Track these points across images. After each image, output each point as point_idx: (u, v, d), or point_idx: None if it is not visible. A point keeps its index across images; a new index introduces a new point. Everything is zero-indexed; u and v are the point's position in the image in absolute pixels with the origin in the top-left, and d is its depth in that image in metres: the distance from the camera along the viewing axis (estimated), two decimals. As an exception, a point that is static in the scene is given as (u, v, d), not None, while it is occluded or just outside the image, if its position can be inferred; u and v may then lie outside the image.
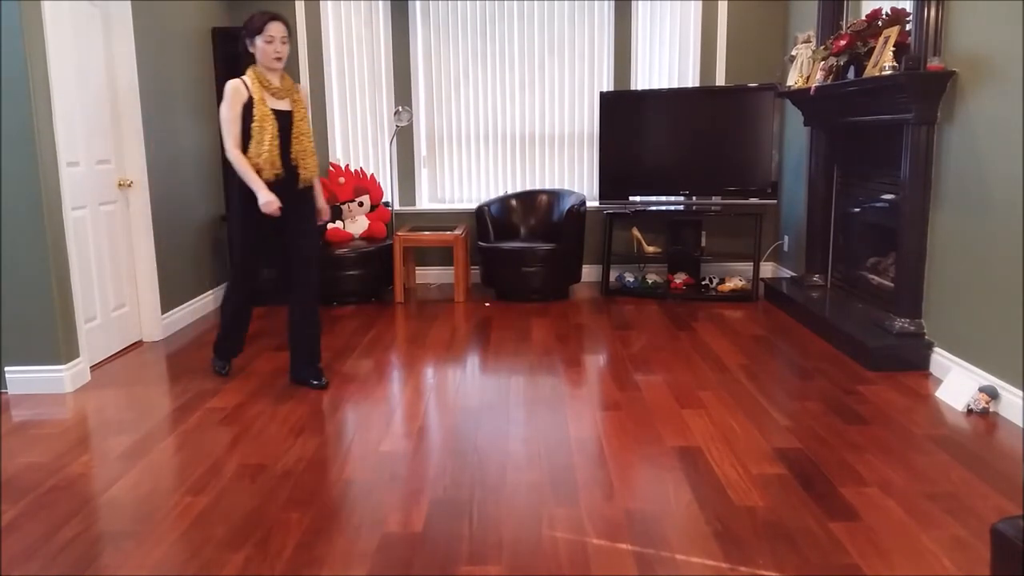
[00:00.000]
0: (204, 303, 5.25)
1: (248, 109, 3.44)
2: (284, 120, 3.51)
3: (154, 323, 4.61)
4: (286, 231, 3.62)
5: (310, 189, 3.66)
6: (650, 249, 5.71)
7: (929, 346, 3.75)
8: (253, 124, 3.44)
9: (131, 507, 2.55)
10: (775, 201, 5.60)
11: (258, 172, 3.47)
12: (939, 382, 3.55)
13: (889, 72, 3.69)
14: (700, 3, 5.71)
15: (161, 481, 2.75)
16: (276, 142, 3.46)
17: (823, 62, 4.46)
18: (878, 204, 4.35)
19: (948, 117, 3.59)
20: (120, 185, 4.38)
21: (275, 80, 3.50)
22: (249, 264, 3.76)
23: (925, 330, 3.80)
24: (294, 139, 3.52)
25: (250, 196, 3.48)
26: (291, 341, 3.74)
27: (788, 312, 4.97)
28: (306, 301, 3.70)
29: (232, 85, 3.47)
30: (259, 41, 3.43)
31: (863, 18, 4.13)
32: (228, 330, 3.88)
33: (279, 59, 3.46)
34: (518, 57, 5.91)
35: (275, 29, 3.42)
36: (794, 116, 5.41)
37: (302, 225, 3.64)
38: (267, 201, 3.42)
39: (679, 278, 5.55)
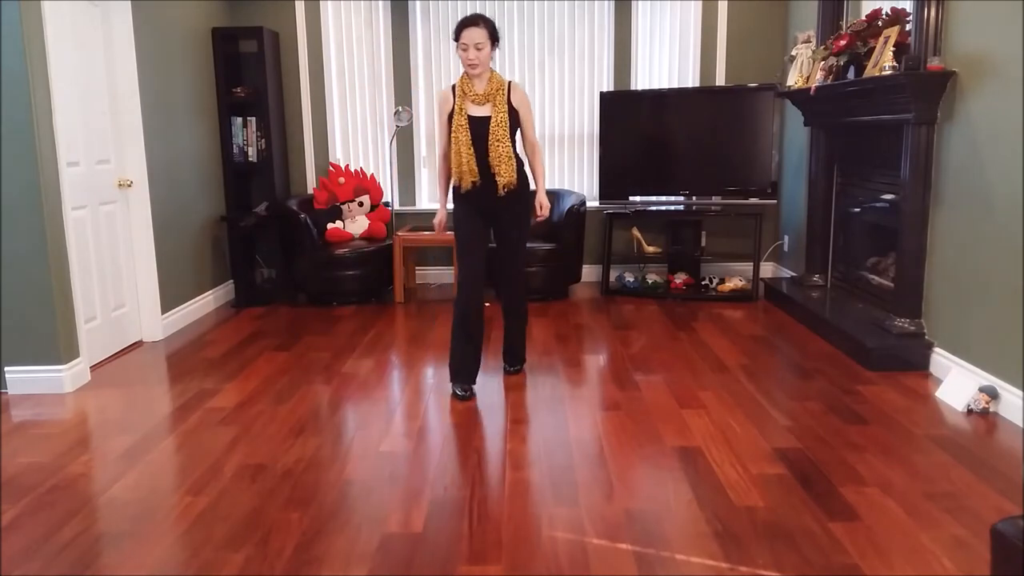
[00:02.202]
0: (204, 303, 5.25)
1: (452, 117, 3.48)
2: (480, 127, 3.43)
3: (154, 323, 4.61)
4: (496, 236, 3.69)
5: (515, 193, 3.54)
6: (650, 249, 5.71)
7: (929, 346, 3.75)
8: (451, 133, 3.48)
9: (131, 507, 2.55)
10: (775, 201, 5.60)
11: (459, 180, 3.51)
12: (939, 382, 3.55)
13: (889, 72, 3.69)
14: (700, 3, 5.71)
15: (161, 481, 2.75)
16: (471, 150, 3.44)
17: (823, 62, 4.46)
18: (878, 204, 4.35)
19: (948, 117, 3.59)
20: (120, 185, 4.38)
21: (479, 86, 3.44)
22: (463, 271, 3.71)
23: (925, 330, 3.80)
24: (490, 146, 3.44)
25: (456, 200, 3.59)
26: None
27: (788, 312, 4.97)
28: (511, 298, 3.81)
29: (440, 93, 3.56)
30: (458, 50, 3.41)
31: (863, 18, 4.13)
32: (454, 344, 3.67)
33: (472, 66, 3.39)
34: (518, 57, 5.91)
35: (467, 36, 3.36)
36: (794, 116, 5.41)
37: (505, 230, 3.64)
38: (437, 220, 3.70)
39: (679, 278, 5.55)
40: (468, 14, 3.45)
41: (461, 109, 3.45)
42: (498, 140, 3.42)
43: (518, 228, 3.64)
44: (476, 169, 3.45)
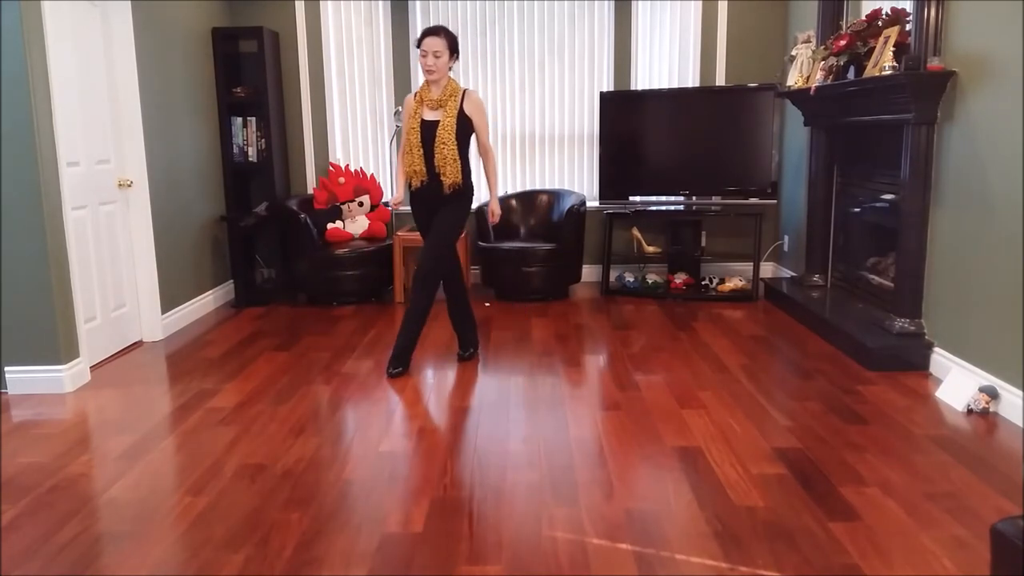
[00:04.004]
0: (204, 303, 5.25)
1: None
2: (430, 130, 3.71)
3: (154, 323, 4.61)
4: (432, 223, 3.87)
5: (460, 192, 3.81)
6: (650, 249, 5.71)
7: (929, 346, 3.75)
8: (403, 136, 3.80)
9: (131, 507, 2.56)
10: (775, 201, 5.60)
11: (409, 178, 3.82)
12: (939, 382, 3.55)
13: (889, 72, 3.69)
14: (700, 3, 5.71)
15: (161, 481, 2.75)
16: (420, 151, 3.72)
17: (823, 62, 4.46)
18: (878, 204, 4.35)
19: (948, 117, 3.59)
20: (120, 185, 4.38)
21: (435, 92, 3.71)
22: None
23: (925, 330, 3.80)
24: (436, 148, 3.71)
25: (411, 196, 3.94)
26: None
27: (788, 312, 4.97)
28: (416, 280, 3.87)
29: (407, 98, 3.84)
30: (419, 56, 3.68)
31: (863, 18, 4.13)
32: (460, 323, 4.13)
33: (429, 72, 3.66)
34: (518, 57, 5.91)
35: (427, 44, 3.63)
36: (794, 116, 5.41)
37: (440, 217, 3.83)
38: (393, 201, 3.93)
39: (679, 278, 5.55)
40: (432, 26, 3.73)
41: (416, 113, 3.75)
42: (443, 143, 3.68)
43: (451, 216, 3.82)
44: (424, 169, 3.74)
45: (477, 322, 4.57)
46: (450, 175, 3.72)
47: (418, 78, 5.93)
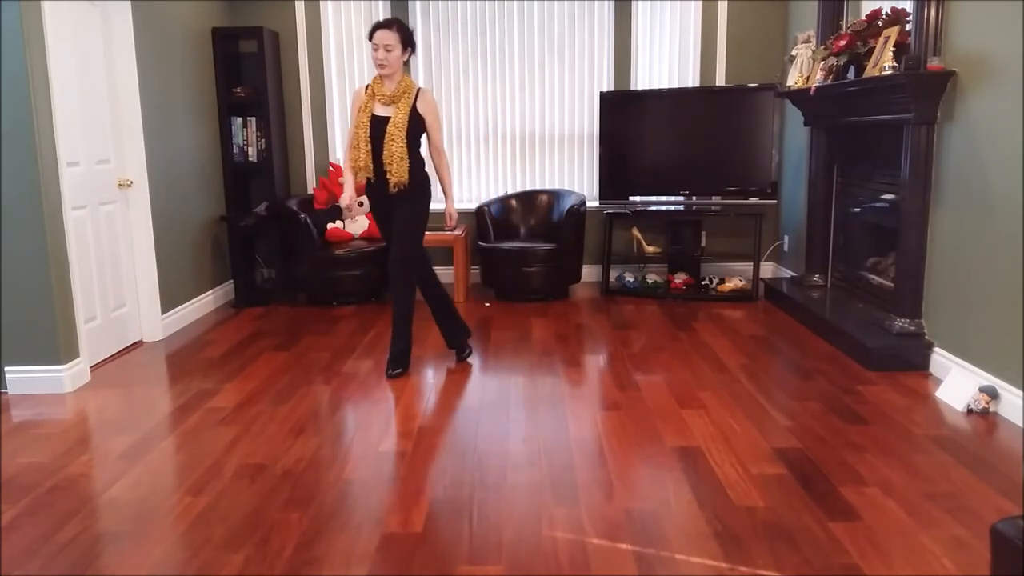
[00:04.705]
0: (204, 303, 5.25)
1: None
2: (380, 126, 3.61)
3: (154, 323, 4.61)
4: (390, 229, 3.83)
5: (410, 193, 3.72)
6: (650, 249, 5.71)
7: (929, 346, 3.75)
8: (350, 129, 3.69)
9: (131, 507, 2.55)
10: (775, 201, 5.60)
11: (355, 174, 3.71)
12: (939, 382, 3.55)
13: (889, 72, 3.69)
14: (700, 3, 5.71)
15: (161, 481, 2.75)
16: (368, 147, 3.62)
17: (823, 62, 4.46)
18: (878, 204, 4.35)
19: (948, 117, 3.59)
20: (120, 185, 4.38)
21: (388, 87, 3.61)
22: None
23: (925, 330, 3.80)
24: (384, 144, 3.61)
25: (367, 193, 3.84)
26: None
27: (788, 312, 4.97)
28: (391, 286, 3.86)
29: (355, 91, 3.73)
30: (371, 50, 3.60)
31: (863, 18, 4.13)
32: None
33: (381, 66, 3.57)
34: (518, 57, 5.91)
35: (378, 37, 3.54)
36: (794, 116, 5.41)
37: (398, 222, 3.77)
38: (343, 199, 3.72)
39: (679, 278, 5.55)
40: (384, 19, 3.64)
41: (367, 107, 3.63)
42: (392, 140, 3.58)
43: (410, 222, 3.77)
44: (371, 166, 3.65)
45: (472, 323, 4.59)
46: (396, 173, 3.61)
47: (418, 78, 5.94)
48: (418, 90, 3.67)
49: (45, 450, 3.04)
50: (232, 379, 3.86)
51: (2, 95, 3.47)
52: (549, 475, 2.73)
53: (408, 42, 3.62)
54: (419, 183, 3.75)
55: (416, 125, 3.65)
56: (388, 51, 3.53)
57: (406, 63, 3.67)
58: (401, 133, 3.58)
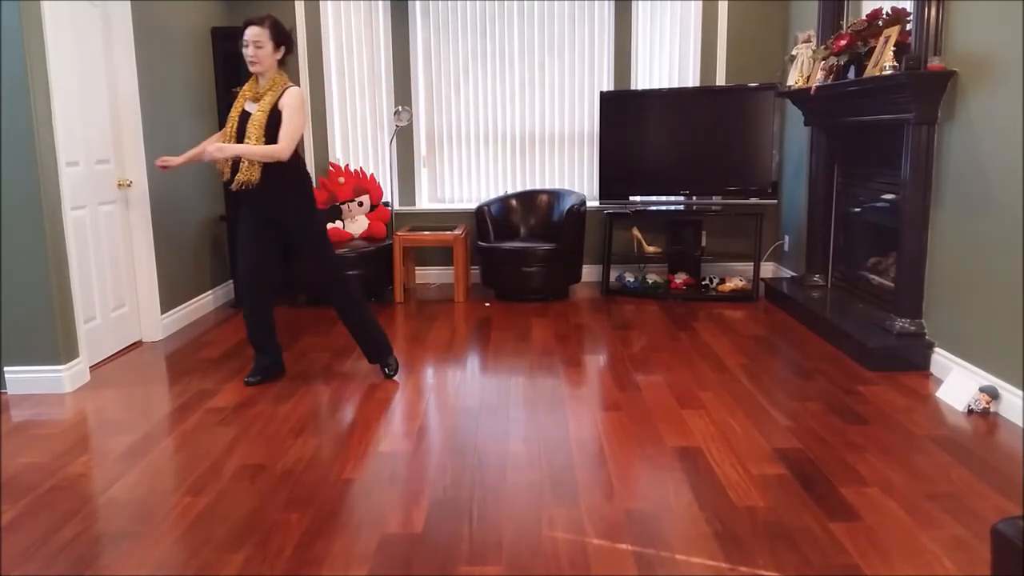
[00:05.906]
0: (204, 303, 5.24)
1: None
2: (243, 123, 3.51)
3: (154, 323, 4.60)
4: (253, 236, 3.72)
5: (275, 194, 3.57)
6: (650, 249, 5.71)
7: (929, 346, 3.75)
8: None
9: (131, 507, 2.55)
10: (775, 201, 5.59)
11: (214, 164, 3.61)
12: (939, 382, 3.55)
13: (889, 72, 3.69)
14: (700, 3, 5.71)
15: (161, 481, 2.74)
16: (232, 142, 3.51)
17: (823, 62, 4.46)
18: (878, 204, 4.35)
19: (948, 117, 3.59)
20: (120, 185, 4.38)
21: (261, 84, 3.53)
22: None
23: (925, 330, 3.80)
24: (242, 141, 3.50)
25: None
26: None
27: (788, 312, 4.96)
28: (323, 291, 3.83)
29: (243, 88, 3.62)
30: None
31: (863, 18, 4.13)
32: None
33: (251, 63, 3.48)
34: (518, 57, 5.91)
35: (248, 33, 3.46)
36: (794, 116, 5.41)
37: (291, 234, 3.73)
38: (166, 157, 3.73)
39: (679, 278, 5.55)
40: (257, 15, 3.53)
41: (239, 103, 3.57)
42: (248, 137, 3.47)
43: (309, 235, 3.69)
44: (230, 162, 3.51)
45: (472, 323, 4.59)
46: (244, 171, 3.45)
47: (419, 78, 5.94)
48: (286, 88, 3.51)
49: (45, 450, 3.04)
50: (232, 379, 3.85)
51: (2, 95, 3.47)
52: (549, 475, 2.73)
53: (280, 40, 3.50)
54: (283, 186, 3.57)
55: (276, 123, 3.46)
56: (258, 47, 3.44)
57: (281, 61, 3.54)
58: (257, 131, 3.44)
